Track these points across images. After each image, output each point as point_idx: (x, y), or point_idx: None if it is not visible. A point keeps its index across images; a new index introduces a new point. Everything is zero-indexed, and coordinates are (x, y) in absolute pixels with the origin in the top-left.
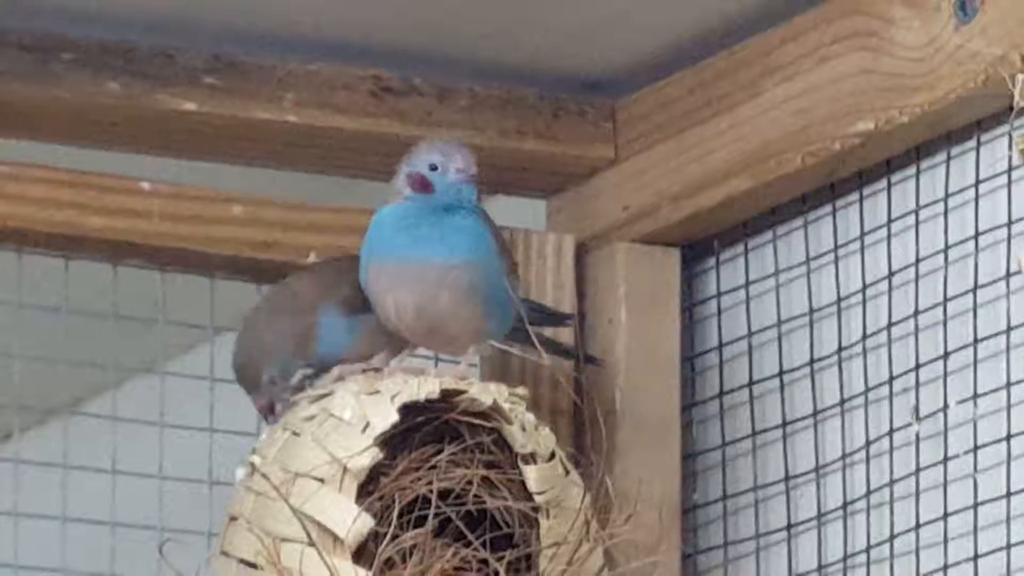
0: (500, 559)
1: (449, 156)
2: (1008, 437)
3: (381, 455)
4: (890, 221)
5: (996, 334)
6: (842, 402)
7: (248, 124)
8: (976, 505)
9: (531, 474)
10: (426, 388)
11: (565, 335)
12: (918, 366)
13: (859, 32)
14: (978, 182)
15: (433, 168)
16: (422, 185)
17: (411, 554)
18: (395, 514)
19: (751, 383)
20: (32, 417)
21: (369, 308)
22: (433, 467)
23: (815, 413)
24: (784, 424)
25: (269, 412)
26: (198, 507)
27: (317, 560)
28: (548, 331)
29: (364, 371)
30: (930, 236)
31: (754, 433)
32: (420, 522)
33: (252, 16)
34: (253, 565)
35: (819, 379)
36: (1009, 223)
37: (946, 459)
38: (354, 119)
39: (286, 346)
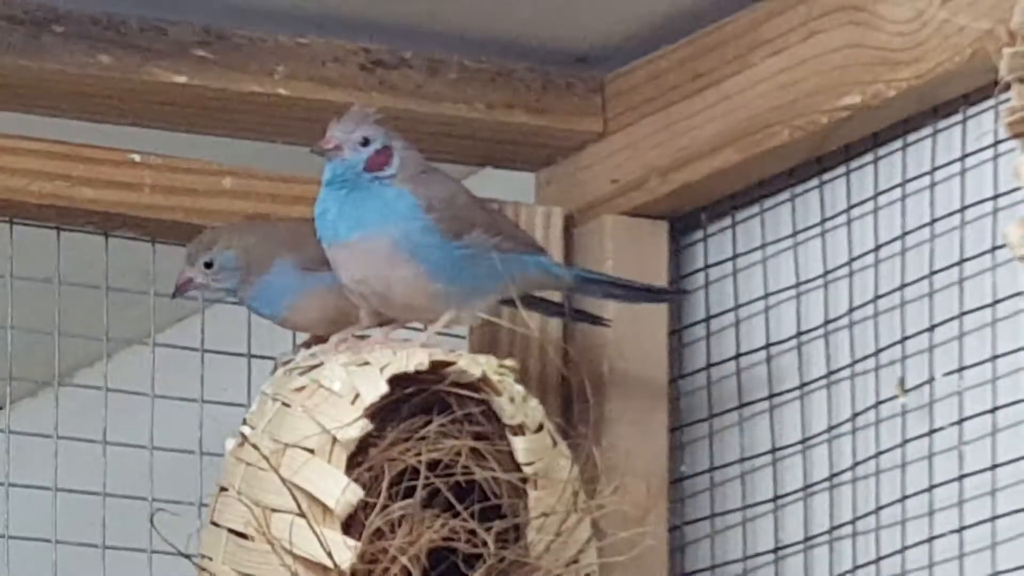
0: (488, 530)
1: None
2: (994, 409)
3: (370, 426)
4: (876, 194)
5: (982, 307)
6: (828, 374)
7: (239, 96)
8: (962, 477)
9: (519, 445)
10: (415, 359)
11: (557, 295)
12: (904, 339)
13: (846, 6)
14: (964, 156)
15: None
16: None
17: (400, 524)
18: (384, 485)
19: (738, 355)
20: (23, 388)
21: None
22: (422, 438)
23: (801, 385)
24: (771, 396)
25: (185, 288)
26: (188, 478)
27: (307, 530)
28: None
29: (355, 336)
30: (916, 209)
31: (741, 405)
32: (409, 493)
33: None
34: (243, 535)
35: (805, 351)
36: (995, 196)
37: (932, 431)
38: (344, 92)
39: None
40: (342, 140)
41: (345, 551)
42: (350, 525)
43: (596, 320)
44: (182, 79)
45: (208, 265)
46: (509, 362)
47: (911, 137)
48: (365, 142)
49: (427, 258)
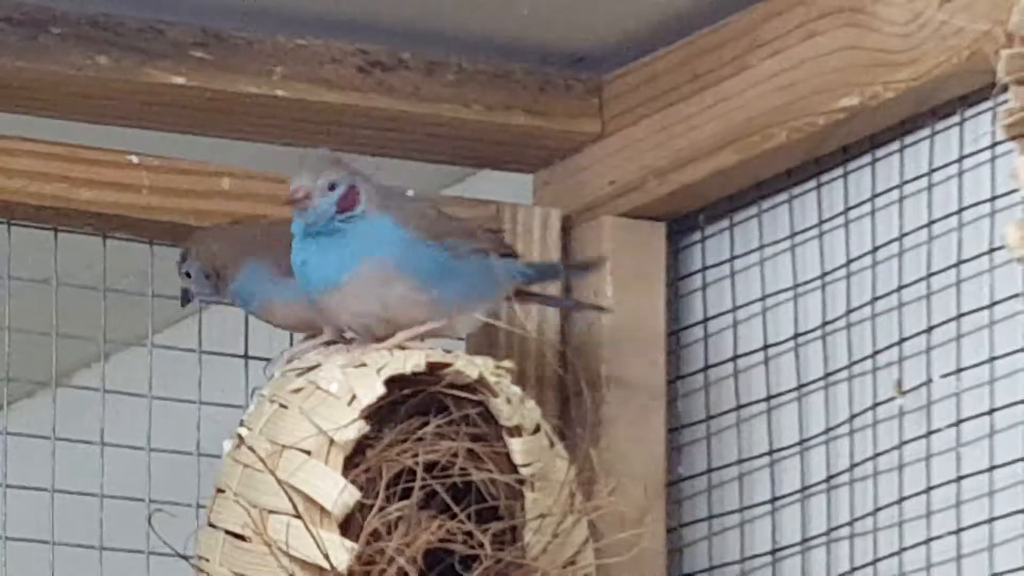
0: (485, 531)
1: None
2: (991, 411)
3: (367, 428)
4: (874, 196)
5: (980, 308)
6: (826, 376)
7: (237, 98)
8: (959, 478)
9: (516, 447)
10: (412, 361)
11: (554, 287)
12: (902, 340)
13: (844, 8)
14: (962, 157)
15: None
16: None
17: (397, 526)
18: (381, 486)
19: (735, 357)
20: (21, 389)
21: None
22: (419, 439)
23: (799, 387)
24: (768, 398)
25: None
26: (186, 479)
27: (304, 532)
28: (538, 286)
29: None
30: (914, 211)
31: (738, 407)
32: (406, 494)
33: None
34: (240, 537)
35: (803, 353)
36: (992, 198)
37: (930, 433)
38: (342, 93)
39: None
40: (310, 188)
41: (342, 552)
42: (347, 526)
43: (596, 307)
44: (180, 80)
45: (188, 276)
46: (506, 363)
47: (909, 139)
48: (332, 186)
49: (416, 268)
